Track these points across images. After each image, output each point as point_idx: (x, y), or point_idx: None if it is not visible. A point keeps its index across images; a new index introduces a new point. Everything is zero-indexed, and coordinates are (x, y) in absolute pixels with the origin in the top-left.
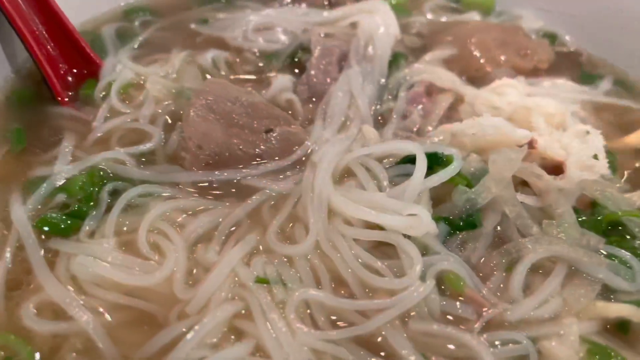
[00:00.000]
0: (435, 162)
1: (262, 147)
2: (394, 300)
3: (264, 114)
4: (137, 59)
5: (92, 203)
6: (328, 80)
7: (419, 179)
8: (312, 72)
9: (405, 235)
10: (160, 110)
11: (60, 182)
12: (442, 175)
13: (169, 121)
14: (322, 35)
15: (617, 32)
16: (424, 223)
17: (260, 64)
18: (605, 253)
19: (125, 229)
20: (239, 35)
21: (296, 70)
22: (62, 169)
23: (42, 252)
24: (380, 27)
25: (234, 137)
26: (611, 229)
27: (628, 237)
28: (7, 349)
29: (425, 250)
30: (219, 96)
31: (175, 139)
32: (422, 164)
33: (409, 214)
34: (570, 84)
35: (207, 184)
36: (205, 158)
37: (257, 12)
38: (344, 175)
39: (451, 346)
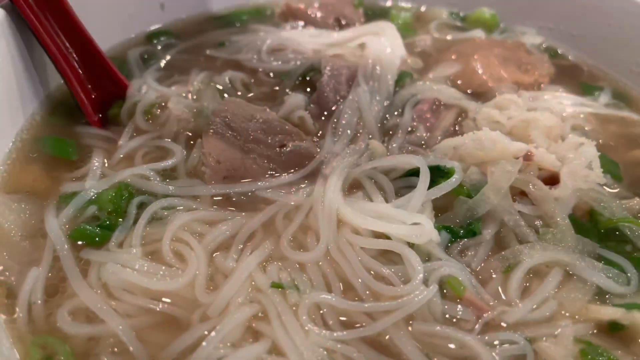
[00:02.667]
0: (438, 174)
1: (276, 161)
2: (399, 303)
3: (278, 130)
4: (160, 81)
5: (120, 216)
6: (338, 98)
7: (422, 191)
8: (323, 91)
9: (409, 244)
10: (181, 129)
11: (91, 197)
12: (444, 187)
13: (190, 138)
14: (331, 56)
15: (617, 47)
16: (426, 231)
17: (274, 84)
18: (600, 258)
19: (150, 238)
20: (253, 56)
21: (308, 89)
22: (92, 184)
23: (75, 261)
24: (387, 48)
25: (250, 152)
26: (607, 235)
27: (623, 242)
28: (46, 349)
29: (428, 257)
30: (235, 114)
31: (196, 155)
32: (425, 176)
33: (413, 223)
34: (571, 96)
35: (224, 197)
36: (223, 172)
37: (270, 34)
38: (352, 187)
39: (452, 347)
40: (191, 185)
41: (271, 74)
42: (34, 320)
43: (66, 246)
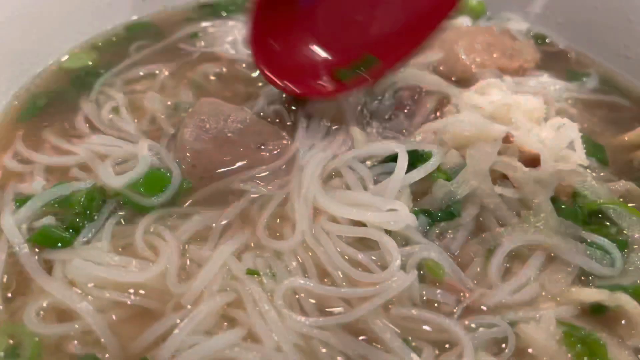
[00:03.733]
0: (417, 159)
1: (254, 161)
2: (377, 289)
3: (255, 129)
4: (134, 81)
5: (87, 218)
6: None
7: (399, 176)
8: None
9: (387, 230)
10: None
11: (56, 197)
12: (421, 171)
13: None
14: None
15: (603, 31)
16: (402, 217)
17: (249, 75)
18: (583, 240)
19: (122, 234)
20: (228, 48)
21: None
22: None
23: (37, 259)
24: None
25: (226, 154)
26: (591, 217)
27: (608, 224)
28: (14, 338)
29: (406, 242)
30: (211, 116)
31: (172, 156)
32: (402, 162)
33: (389, 209)
34: (556, 81)
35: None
36: (200, 173)
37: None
38: (331, 176)
39: (431, 330)
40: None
41: (244, 65)
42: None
43: (25, 245)
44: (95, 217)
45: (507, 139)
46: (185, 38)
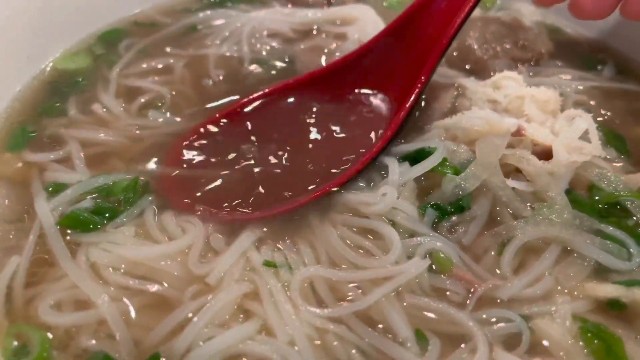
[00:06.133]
0: (424, 156)
1: None
2: (391, 270)
3: None
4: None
5: (122, 206)
6: None
7: (394, 174)
8: None
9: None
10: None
11: (100, 184)
12: (425, 165)
13: None
14: (305, 49)
15: (618, 19)
16: (388, 197)
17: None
18: (599, 233)
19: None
20: (229, 42)
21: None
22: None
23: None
24: (369, 36)
25: None
26: (609, 210)
27: (625, 217)
28: (21, 338)
29: (411, 235)
30: None
31: None
32: (393, 165)
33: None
34: (572, 70)
35: None
36: None
37: (241, 17)
38: None
39: (443, 322)
40: None
41: (246, 64)
42: (14, 307)
43: (54, 227)
44: (130, 208)
45: (518, 132)
46: (183, 29)
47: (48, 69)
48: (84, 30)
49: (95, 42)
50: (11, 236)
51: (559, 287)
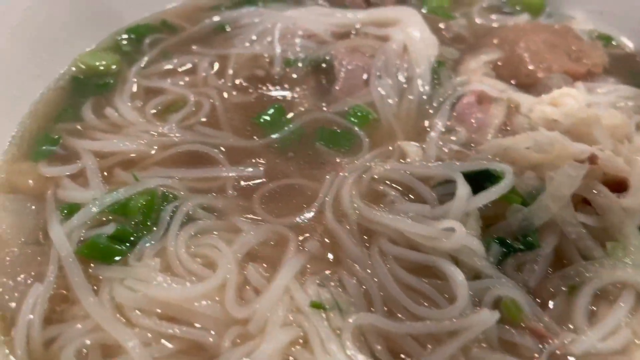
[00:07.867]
0: (487, 179)
1: None
2: (457, 324)
3: None
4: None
5: (145, 228)
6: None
7: (461, 200)
8: (337, 96)
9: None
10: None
11: (110, 204)
12: (492, 193)
13: None
14: (345, 49)
15: None
16: (458, 234)
17: (284, 70)
18: None
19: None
20: (259, 43)
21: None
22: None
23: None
24: (414, 38)
25: None
26: None
27: None
28: None
29: (476, 275)
30: None
31: None
32: (462, 189)
33: (444, 229)
34: (632, 88)
35: None
36: None
37: (273, 17)
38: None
39: None
40: None
41: (277, 67)
42: (31, 348)
43: (73, 257)
44: (154, 228)
45: (593, 161)
46: (212, 28)
47: (74, 68)
48: (110, 29)
49: (119, 42)
50: (31, 259)
51: (636, 341)
